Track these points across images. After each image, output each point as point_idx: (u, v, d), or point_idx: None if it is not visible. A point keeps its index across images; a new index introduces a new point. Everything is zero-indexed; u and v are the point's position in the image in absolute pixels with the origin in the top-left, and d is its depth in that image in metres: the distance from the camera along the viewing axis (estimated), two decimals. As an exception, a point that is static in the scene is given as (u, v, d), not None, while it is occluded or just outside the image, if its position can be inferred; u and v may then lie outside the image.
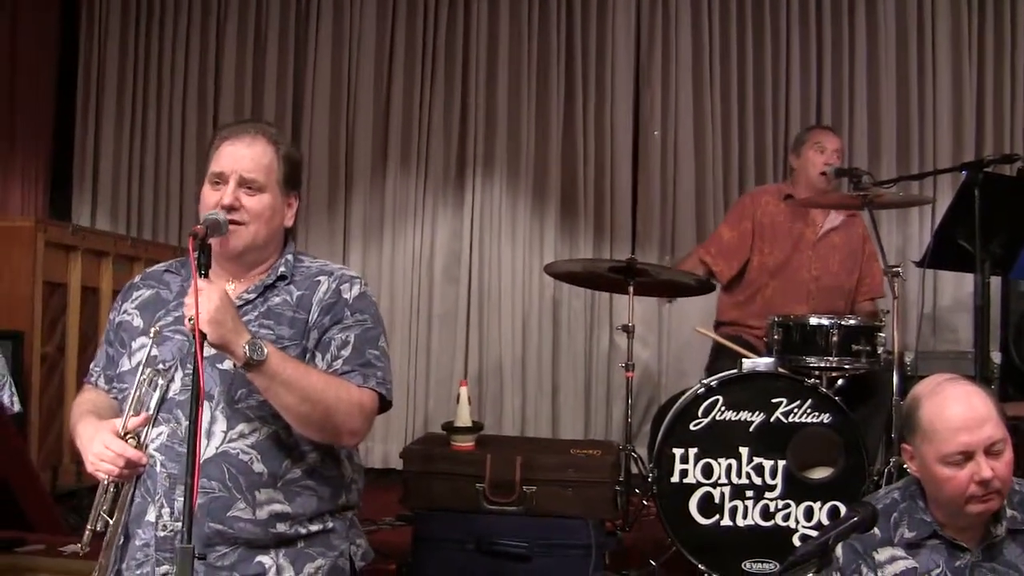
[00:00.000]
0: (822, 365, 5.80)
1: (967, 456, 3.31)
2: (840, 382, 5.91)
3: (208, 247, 3.17)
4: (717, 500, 5.58)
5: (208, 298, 3.01)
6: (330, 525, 3.49)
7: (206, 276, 3.09)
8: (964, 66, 8.56)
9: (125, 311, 3.61)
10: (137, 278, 3.75)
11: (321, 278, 3.55)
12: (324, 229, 9.10)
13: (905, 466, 3.66)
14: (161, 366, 3.35)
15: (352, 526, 3.63)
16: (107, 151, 9.28)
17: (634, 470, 6.14)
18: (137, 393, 3.29)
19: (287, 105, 9.22)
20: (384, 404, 3.50)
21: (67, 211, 9.18)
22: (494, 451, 5.76)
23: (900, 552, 3.49)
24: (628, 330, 6.26)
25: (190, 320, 2.98)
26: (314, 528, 3.43)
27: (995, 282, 6.54)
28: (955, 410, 3.36)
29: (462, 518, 5.58)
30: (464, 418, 5.87)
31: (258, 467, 3.30)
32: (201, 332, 2.97)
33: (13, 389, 4.41)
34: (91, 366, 3.76)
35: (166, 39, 9.31)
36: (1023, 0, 8.61)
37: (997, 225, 5.25)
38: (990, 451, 3.31)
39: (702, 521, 5.58)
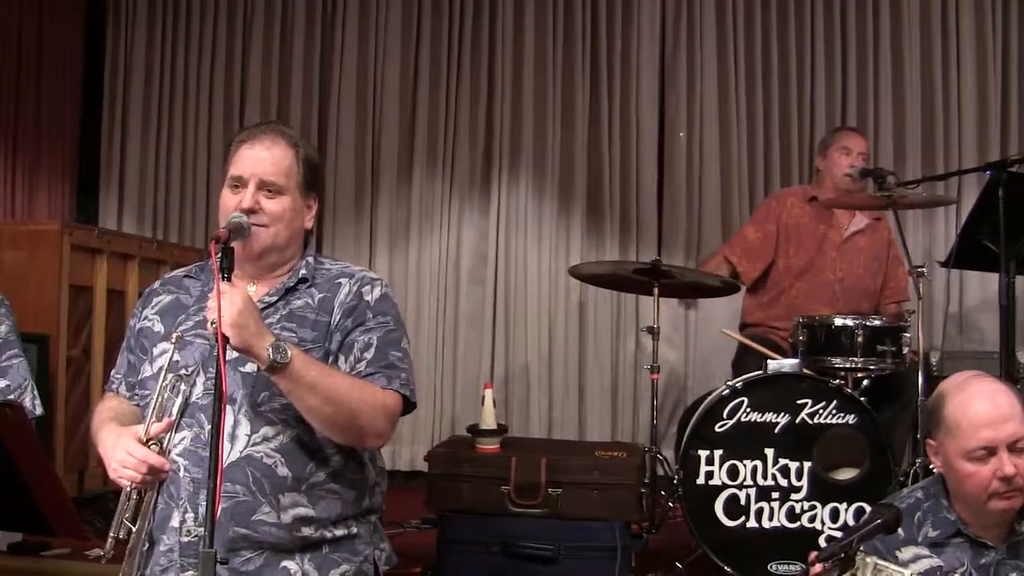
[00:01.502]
0: (847, 366, 5.79)
1: (990, 452, 3.35)
2: (865, 383, 5.89)
3: (231, 251, 3.18)
4: (743, 502, 5.58)
5: (231, 301, 3.03)
6: (355, 530, 3.50)
7: (228, 280, 3.09)
8: (989, 65, 8.51)
9: (145, 317, 3.63)
10: (157, 284, 3.77)
11: (342, 280, 3.56)
12: (350, 231, 9.11)
13: (930, 466, 3.66)
14: (183, 371, 3.35)
15: (376, 530, 3.64)
16: (133, 154, 9.31)
17: (660, 472, 6.14)
18: (159, 399, 3.30)
19: (313, 107, 9.23)
20: (408, 406, 3.51)
21: (94, 214, 9.20)
22: (519, 453, 5.75)
23: (924, 551, 3.50)
24: (653, 332, 6.25)
25: (213, 324, 2.99)
26: (339, 533, 3.44)
27: (1021, 281, 6.52)
28: (980, 406, 3.39)
29: (487, 521, 5.57)
30: (489, 421, 5.87)
31: (282, 471, 3.30)
32: (224, 335, 2.98)
33: (35, 392, 4.42)
34: (112, 374, 3.77)
35: (192, 42, 9.33)
36: (1048, -1, 8.59)
37: (1021, 224, 5.24)
38: (1013, 448, 3.34)
39: (728, 523, 5.58)
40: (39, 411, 4.42)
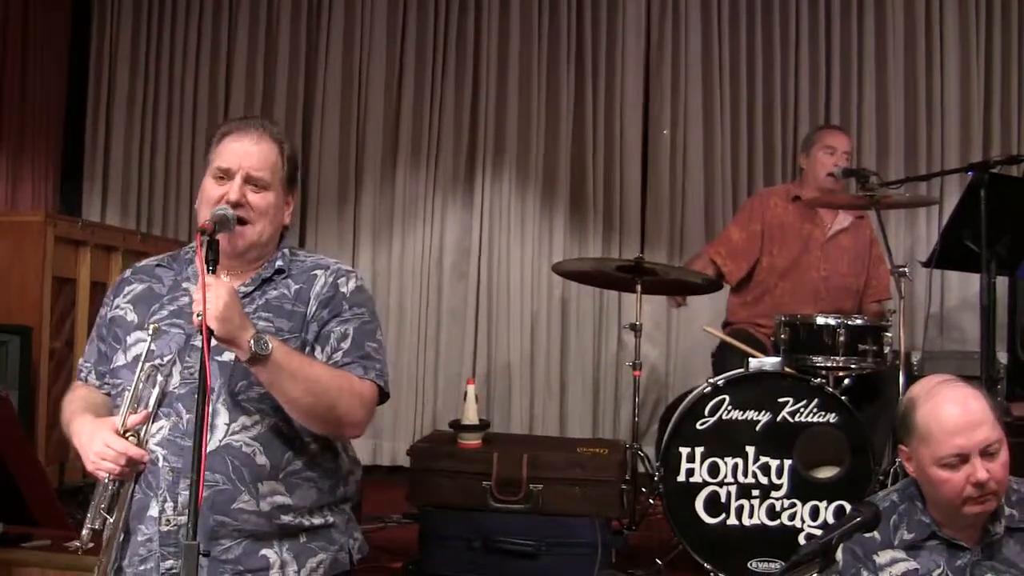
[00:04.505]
0: (828, 364, 5.80)
1: (963, 458, 3.35)
2: (846, 382, 5.89)
3: (216, 243, 3.19)
4: (723, 499, 5.59)
5: (216, 295, 3.05)
6: (331, 520, 3.54)
7: (214, 272, 3.11)
8: (972, 67, 8.55)
9: (118, 306, 3.64)
10: (128, 272, 3.77)
11: (317, 272, 3.61)
12: (334, 225, 9.11)
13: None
14: (159, 361, 3.37)
15: (350, 520, 3.68)
16: (118, 146, 9.29)
17: (641, 469, 6.15)
18: (135, 390, 3.32)
19: (298, 102, 9.22)
20: (383, 396, 3.56)
21: (77, 205, 9.18)
22: (501, 449, 5.77)
23: (900, 554, 3.51)
24: (636, 329, 6.26)
25: (198, 316, 3.00)
26: (316, 522, 3.48)
27: (1002, 282, 6.55)
28: (951, 412, 3.40)
29: (469, 516, 5.58)
30: (471, 416, 5.89)
31: (261, 459, 3.33)
32: (208, 328, 2.99)
33: None
34: (80, 362, 3.79)
35: (177, 34, 9.31)
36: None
37: (1003, 225, 5.26)
38: (986, 453, 3.35)
39: (708, 520, 5.59)
40: None
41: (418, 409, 8.91)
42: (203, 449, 2.87)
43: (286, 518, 3.37)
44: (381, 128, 9.12)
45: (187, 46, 9.30)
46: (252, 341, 3.11)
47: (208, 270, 3.10)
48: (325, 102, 9.17)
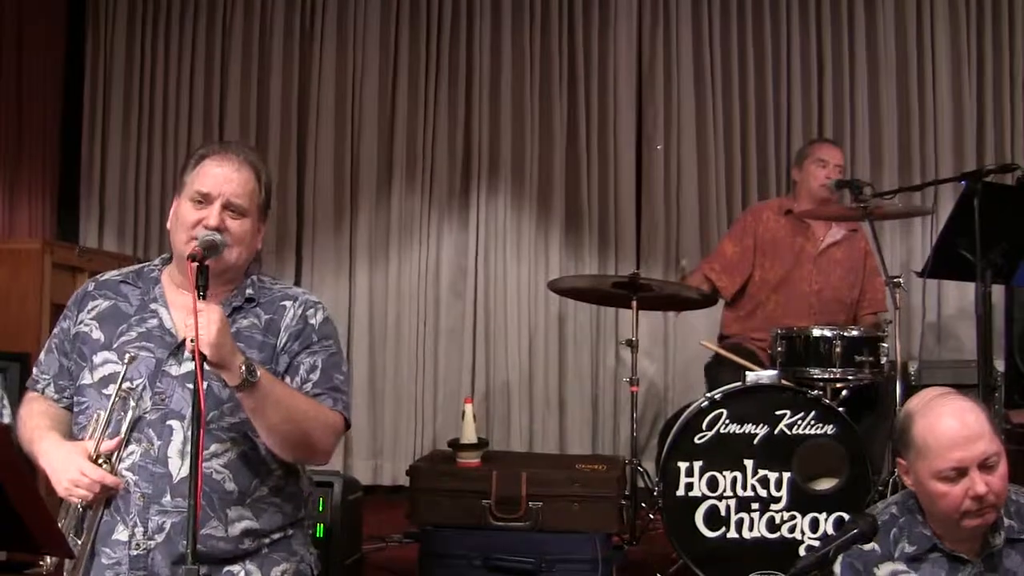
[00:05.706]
0: (825, 376, 5.82)
1: (961, 472, 3.33)
2: (844, 393, 5.91)
3: (207, 269, 3.20)
4: (723, 513, 5.59)
5: (209, 320, 3.07)
6: (290, 532, 3.60)
7: (204, 298, 3.13)
8: (964, 76, 8.58)
9: (82, 322, 3.64)
10: (91, 286, 3.77)
11: (286, 303, 3.65)
12: (330, 246, 9.08)
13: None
14: (128, 384, 3.39)
15: (307, 536, 3.76)
16: (114, 172, 9.24)
17: (640, 484, 6.15)
18: (109, 415, 3.34)
19: (292, 124, 9.20)
20: (346, 426, 3.63)
21: (75, 231, 9.16)
22: (500, 467, 5.78)
23: (901, 567, 3.50)
24: (632, 345, 6.26)
25: (192, 341, 3.02)
26: (276, 536, 3.53)
27: (999, 291, 6.55)
28: (948, 426, 3.38)
29: (469, 534, 5.59)
30: (469, 435, 5.91)
31: (230, 485, 3.39)
32: (201, 353, 3.01)
33: (5, 403, 4.44)
34: (36, 372, 3.76)
35: (171, 59, 9.28)
36: (1022, 10, 8.62)
37: (997, 234, 5.26)
38: (984, 466, 3.33)
39: (708, 534, 5.59)
40: (7, 419, 4.43)
41: (417, 429, 8.89)
42: (198, 477, 2.92)
43: (248, 542, 3.43)
44: (375, 148, 9.10)
45: (181, 72, 9.25)
46: (243, 367, 3.15)
47: (200, 296, 3.12)
48: (319, 125, 9.15)
